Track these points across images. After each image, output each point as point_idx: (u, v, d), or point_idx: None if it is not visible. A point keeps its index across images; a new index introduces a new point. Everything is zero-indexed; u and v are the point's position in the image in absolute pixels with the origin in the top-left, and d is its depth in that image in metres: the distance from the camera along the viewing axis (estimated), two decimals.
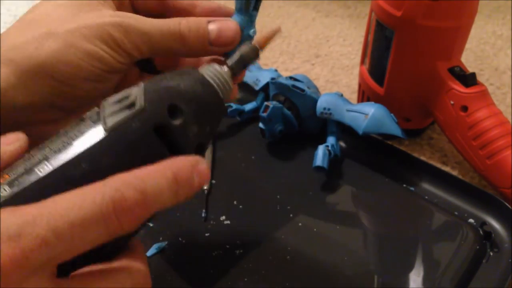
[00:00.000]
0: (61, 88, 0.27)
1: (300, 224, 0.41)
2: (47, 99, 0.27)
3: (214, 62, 0.28)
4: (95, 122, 0.22)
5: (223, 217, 0.41)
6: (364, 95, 0.53)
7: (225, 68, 0.26)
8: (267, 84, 0.50)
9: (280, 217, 0.41)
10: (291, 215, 0.41)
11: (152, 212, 0.21)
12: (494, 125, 0.42)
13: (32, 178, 0.21)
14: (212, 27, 0.29)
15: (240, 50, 0.28)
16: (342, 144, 0.49)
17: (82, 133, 0.22)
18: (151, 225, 0.40)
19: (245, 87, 0.55)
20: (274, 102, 0.46)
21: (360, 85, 0.54)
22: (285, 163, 0.47)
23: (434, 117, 0.47)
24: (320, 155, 0.43)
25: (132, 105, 0.22)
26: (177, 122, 0.23)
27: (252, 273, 0.37)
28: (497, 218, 0.41)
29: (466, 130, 0.43)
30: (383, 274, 0.37)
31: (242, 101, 0.55)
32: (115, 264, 0.22)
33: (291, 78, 0.49)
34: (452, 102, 0.44)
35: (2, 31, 0.64)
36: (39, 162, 0.21)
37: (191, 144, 0.24)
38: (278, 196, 0.43)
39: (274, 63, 0.65)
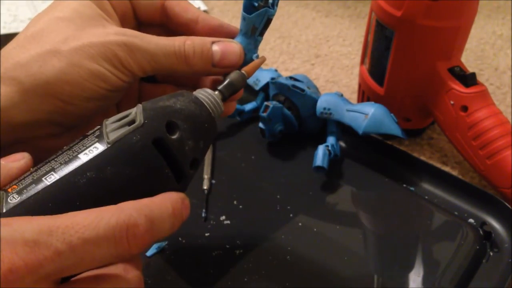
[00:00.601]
0: (63, 107, 0.27)
1: (300, 224, 0.41)
2: (48, 116, 0.27)
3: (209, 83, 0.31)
4: (98, 137, 0.24)
5: (223, 217, 0.41)
6: (364, 95, 0.53)
7: (216, 92, 0.28)
8: (267, 84, 0.50)
9: (280, 217, 0.41)
10: (291, 215, 0.41)
11: (154, 241, 0.23)
12: (494, 125, 0.42)
13: (39, 187, 0.22)
14: (216, 48, 0.29)
15: (230, 76, 0.29)
16: (342, 144, 0.49)
17: (86, 147, 0.24)
18: None
19: (245, 87, 0.55)
20: (274, 102, 0.46)
21: (360, 85, 0.54)
22: (285, 163, 0.47)
23: (434, 117, 0.47)
24: (320, 155, 0.43)
25: (132, 122, 0.24)
26: (174, 136, 0.25)
27: (252, 273, 0.37)
28: (497, 218, 0.41)
29: (466, 130, 0.43)
30: (383, 274, 0.37)
31: (242, 101, 0.55)
32: (112, 269, 0.22)
33: (291, 78, 0.49)
34: (452, 102, 0.44)
35: (2, 31, 0.63)
36: (46, 173, 0.23)
37: (187, 158, 0.26)
38: (278, 196, 0.43)
39: (274, 63, 0.65)
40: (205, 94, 0.28)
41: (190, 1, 0.89)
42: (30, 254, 0.19)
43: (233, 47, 0.30)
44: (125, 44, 0.27)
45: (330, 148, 0.44)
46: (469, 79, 0.44)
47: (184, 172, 0.26)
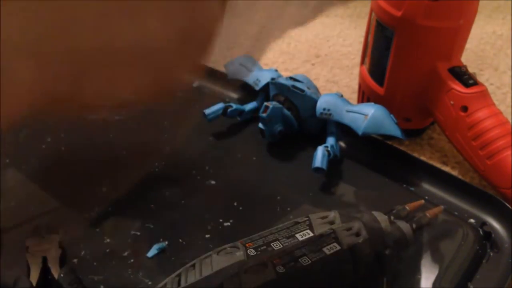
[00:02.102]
0: None
1: None
2: None
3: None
4: (308, 226, 0.32)
5: (223, 219, 0.41)
6: (364, 95, 0.53)
7: (409, 226, 0.35)
8: (267, 84, 0.50)
9: (280, 218, 0.41)
10: (291, 217, 0.41)
11: None
12: (494, 125, 0.42)
13: (269, 249, 0.30)
14: None
15: (420, 217, 0.36)
16: (342, 144, 0.49)
17: (300, 230, 0.32)
18: (151, 226, 0.40)
19: (245, 87, 0.55)
20: (274, 103, 0.46)
21: (360, 85, 0.54)
22: (285, 163, 0.47)
23: (434, 117, 0.47)
24: (319, 156, 0.43)
25: (332, 222, 0.32)
26: (386, 252, 0.32)
27: None
28: (497, 218, 0.41)
29: (466, 130, 0.43)
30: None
31: (242, 101, 0.55)
32: None
33: (291, 78, 0.49)
34: (452, 102, 0.44)
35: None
36: (273, 241, 0.31)
37: (389, 272, 0.33)
38: (278, 197, 0.43)
39: (274, 63, 0.65)
40: (404, 226, 0.35)
41: None
42: None
43: None
44: None
45: (329, 149, 0.44)
46: (469, 79, 0.44)
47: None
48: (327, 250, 0.30)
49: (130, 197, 0.43)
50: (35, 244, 0.36)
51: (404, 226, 0.35)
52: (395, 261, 0.33)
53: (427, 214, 0.36)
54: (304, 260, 0.29)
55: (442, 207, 0.38)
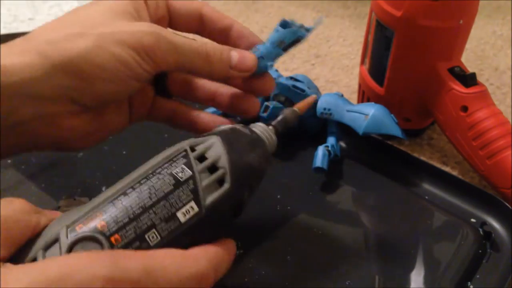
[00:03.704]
0: (83, 86, 0.28)
1: (300, 224, 0.41)
2: (68, 93, 0.28)
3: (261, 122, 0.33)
4: (192, 192, 0.26)
5: None
6: (364, 95, 0.53)
7: (270, 127, 0.33)
8: None
9: (280, 217, 0.41)
10: (291, 216, 0.41)
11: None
12: (494, 125, 0.42)
13: (143, 246, 0.24)
14: (234, 53, 0.32)
15: (284, 112, 0.33)
16: (342, 144, 0.49)
17: (183, 204, 0.25)
18: None
19: None
20: (274, 102, 0.46)
21: (360, 85, 0.54)
22: (285, 163, 0.47)
23: (434, 117, 0.47)
24: (320, 156, 0.43)
25: (222, 180, 0.27)
26: (247, 196, 0.29)
27: (252, 273, 0.37)
28: (497, 218, 0.41)
29: (466, 130, 0.43)
30: (383, 274, 0.37)
31: None
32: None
33: (291, 78, 0.49)
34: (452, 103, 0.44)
35: (2, 31, 0.63)
36: (148, 229, 0.24)
37: (246, 205, 0.30)
38: (279, 196, 0.43)
39: (274, 63, 0.65)
40: (262, 129, 0.32)
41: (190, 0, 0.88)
42: None
43: (249, 55, 0.33)
44: (152, 34, 0.28)
45: (330, 148, 0.44)
46: (469, 79, 0.44)
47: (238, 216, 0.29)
48: (181, 215, 0.25)
49: None
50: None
51: (263, 129, 0.32)
52: (250, 194, 0.30)
53: (295, 109, 0.34)
54: (152, 237, 0.24)
55: (315, 96, 0.37)
